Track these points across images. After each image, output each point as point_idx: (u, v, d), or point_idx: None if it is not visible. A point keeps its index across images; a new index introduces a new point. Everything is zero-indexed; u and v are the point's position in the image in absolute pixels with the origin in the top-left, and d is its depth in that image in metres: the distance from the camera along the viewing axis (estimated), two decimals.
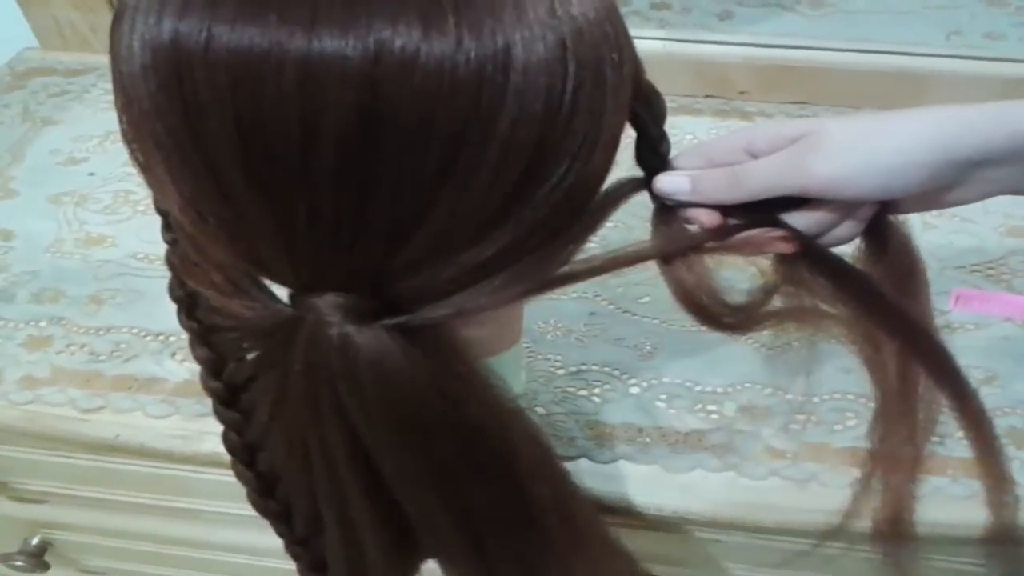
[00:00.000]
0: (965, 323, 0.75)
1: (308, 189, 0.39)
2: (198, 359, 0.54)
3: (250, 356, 0.53)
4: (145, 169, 0.44)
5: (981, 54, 0.99)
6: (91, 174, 0.95)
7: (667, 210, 0.54)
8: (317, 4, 0.36)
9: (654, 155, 0.51)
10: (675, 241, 0.53)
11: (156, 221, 0.87)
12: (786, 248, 0.51)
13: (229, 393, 0.54)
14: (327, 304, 0.43)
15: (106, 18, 1.05)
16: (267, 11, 0.36)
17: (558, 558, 0.51)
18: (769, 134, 0.52)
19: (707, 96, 1.03)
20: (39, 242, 0.87)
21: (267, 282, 0.47)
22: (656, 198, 0.53)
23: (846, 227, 0.53)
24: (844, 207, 0.52)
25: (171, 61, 0.38)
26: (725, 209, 0.53)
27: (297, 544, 0.58)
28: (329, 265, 0.42)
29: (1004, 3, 1.10)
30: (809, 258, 0.53)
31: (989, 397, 0.69)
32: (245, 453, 0.55)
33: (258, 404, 0.53)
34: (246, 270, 0.46)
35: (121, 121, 0.43)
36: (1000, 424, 0.68)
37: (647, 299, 0.80)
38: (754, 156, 0.52)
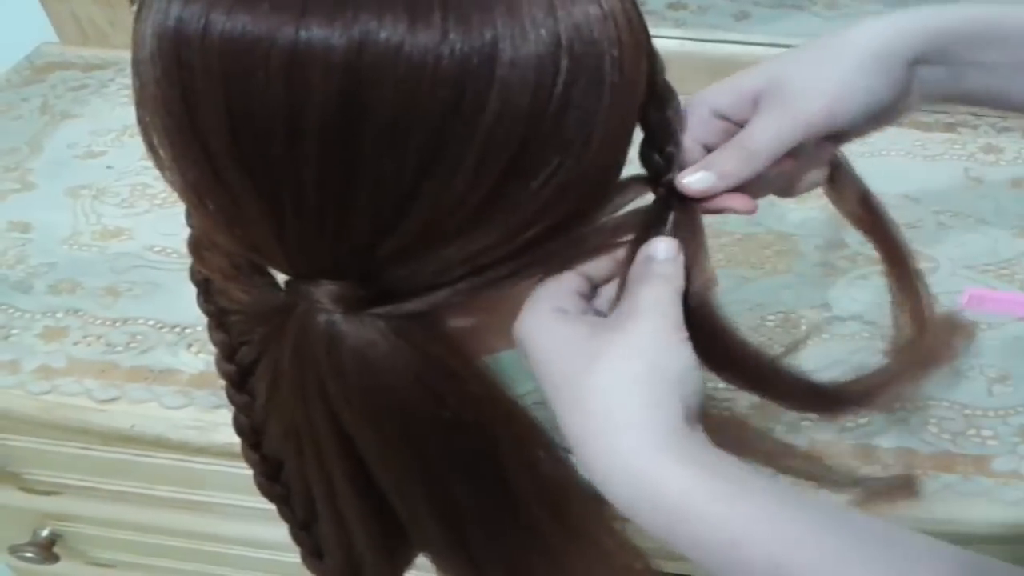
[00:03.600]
0: (978, 323, 0.75)
1: (293, 176, 0.39)
2: (215, 342, 0.55)
3: (255, 339, 0.54)
4: (155, 154, 0.45)
5: None
6: (109, 167, 0.96)
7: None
8: None
9: (658, 156, 0.50)
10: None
11: (173, 215, 0.89)
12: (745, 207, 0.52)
13: (240, 376, 0.55)
14: (319, 291, 0.44)
15: (125, 13, 1.07)
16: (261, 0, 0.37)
17: (548, 552, 0.52)
18: (726, 94, 0.53)
19: None
20: (56, 234, 0.88)
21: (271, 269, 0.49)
22: (679, 204, 0.52)
23: (816, 171, 0.57)
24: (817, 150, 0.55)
25: (173, 48, 0.39)
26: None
27: (300, 529, 0.59)
28: (317, 252, 0.43)
29: (1016, 3, 1.10)
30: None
31: (1002, 396, 0.70)
32: (252, 436, 0.56)
33: (259, 387, 0.54)
34: (247, 256, 0.47)
35: (137, 107, 0.44)
36: (1012, 423, 0.68)
37: None
38: (725, 118, 0.53)
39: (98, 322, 0.79)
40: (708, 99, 0.53)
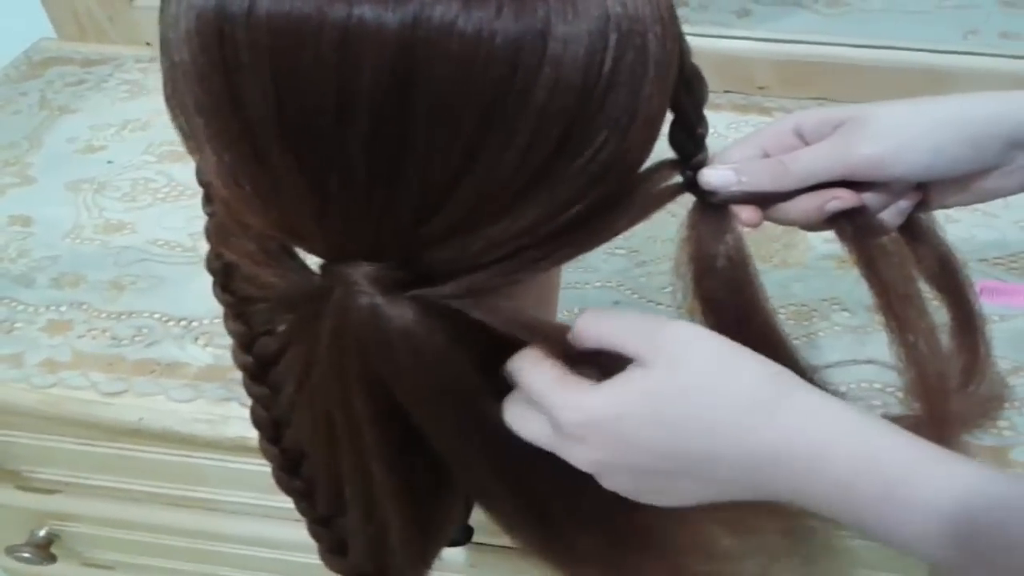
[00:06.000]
0: (990, 315, 0.75)
1: (341, 153, 0.39)
2: (231, 332, 0.54)
3: (279, 329, 0.53)
4: (186, 135, 0.44)
5: (999, 52, 1.00)
6: (109, 162, 0.95)
7: (708, 205, 0.53)
8: None
9: (690, 138, 0.50)
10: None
11: (176, 209, 0.89)
12: (851, 201, 0.51)
13: (259, 367, 0.54)
14: (357, 273, 0.43)
15: (125, 7, 1.06)
16: None
17: (631, 514, 0.50)
18: (816, 116, 0.52)
19: (727, 91, 1.03)
20: (58, 228, 0.87)
21: (300, 253, 0.48)
22: (698, 192, 0.52)
23: (888, 214, 0.54)
24: (887, 194, 0.52)
25: (214, 23, 0.38)
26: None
27: (319, 524, 0.58)
28: (359, 233, 0.42)
29: (1018, 4, 1.11)
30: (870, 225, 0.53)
31: (1016, 387, 0.70)
32: (271, 429, 0.55)
33: (286, 377, 0.53)
34: (279, 239, 0.47)
35: (166, 86, 0.44)
36: None
37: (671, 288, 0.79)
38: (802, 138, 0.53)
39: (103, 315, 0.78)
40: (797, 116, 0.53)
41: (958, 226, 0.84)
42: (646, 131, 0.43)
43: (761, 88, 1.03)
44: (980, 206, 0.85)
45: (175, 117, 0.44)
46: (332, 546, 0.58)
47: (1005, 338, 0.74)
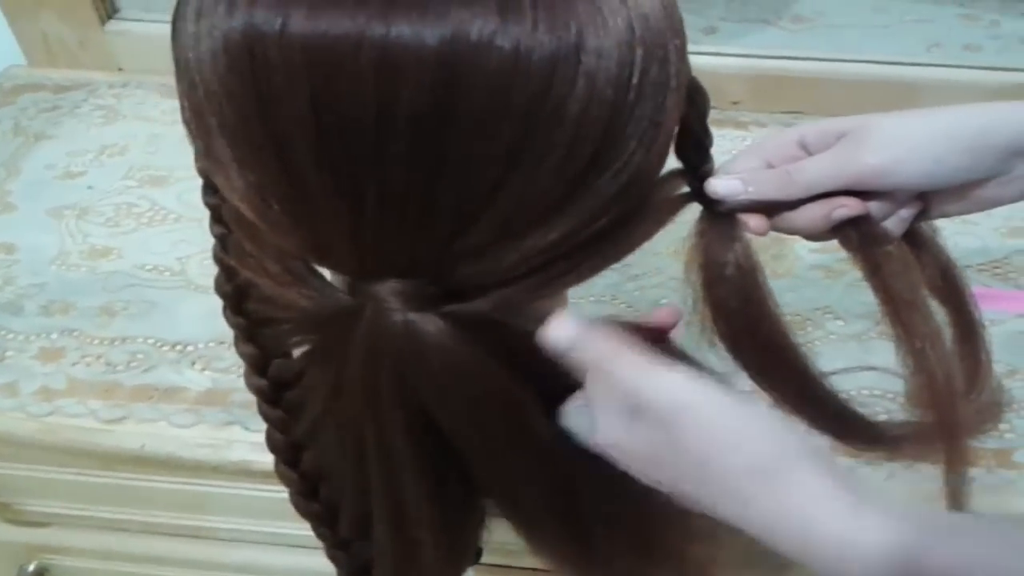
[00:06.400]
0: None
1: (380, 170, 0.39)
2: (243, 355, 0.53)
3: (297, 351, 0.52)
4: (207, 155, 0.44)
5: (963, 64, 1.03)
6: (90, 187, 0.93)
7: (716, 214, 0.53)
8: None
9: (696, 149, 0.51)
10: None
11: (161, 233, 0.88)
12: (857, 209, 0.52)
13: (274, 390, 0.53)
14: (388, 290, 0.43)
15: (96, 33, 1.05)
16: None
17: (674, 531, 0.51)
18: (819, 128, 0.53)
19: None
20: (43, 255, 0.85)
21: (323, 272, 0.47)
22: (705, 201, 0.53)
23: (891, 223, 0.54)
24: (890, 203, 0.53)
25: (243, 42, 0.38)
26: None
27: (338, 548, 0.57)
28: (394, 249, 0.42)
29: (977, 18, 1.14)
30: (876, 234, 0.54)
31: (1013, 390, 0.72)
32: (289, 452, 0.54)
33: (309, 399, 0.52)
34: (304, 258, 0.46)
35: (183, 107, 0.43)
36: None
37: (665, 301, 0.81)
38: (805, 148, 0.54)
39: (96, 342, 0.77)
40: (800, 128, 0.54)
41: (940, 235, 0.86)
42: (666, 142, 0.44)
43: (735, 103, 1.05)
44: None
45: (194, 139, 0.44)
46: (352, 571, 0.57)
47: (998, 342, 0.75)
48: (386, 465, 0.49)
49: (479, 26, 0.36)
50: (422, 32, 0.36)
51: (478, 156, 0.39)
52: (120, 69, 1.07)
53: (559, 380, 0.47)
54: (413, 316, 0.43)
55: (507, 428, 0.47)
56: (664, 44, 0.41)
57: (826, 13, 1.18)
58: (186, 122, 0.44)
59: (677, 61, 0.42)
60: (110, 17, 1.07)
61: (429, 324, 0.43)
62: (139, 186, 0.92)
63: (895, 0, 1.19)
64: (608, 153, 0.41)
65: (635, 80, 0.40)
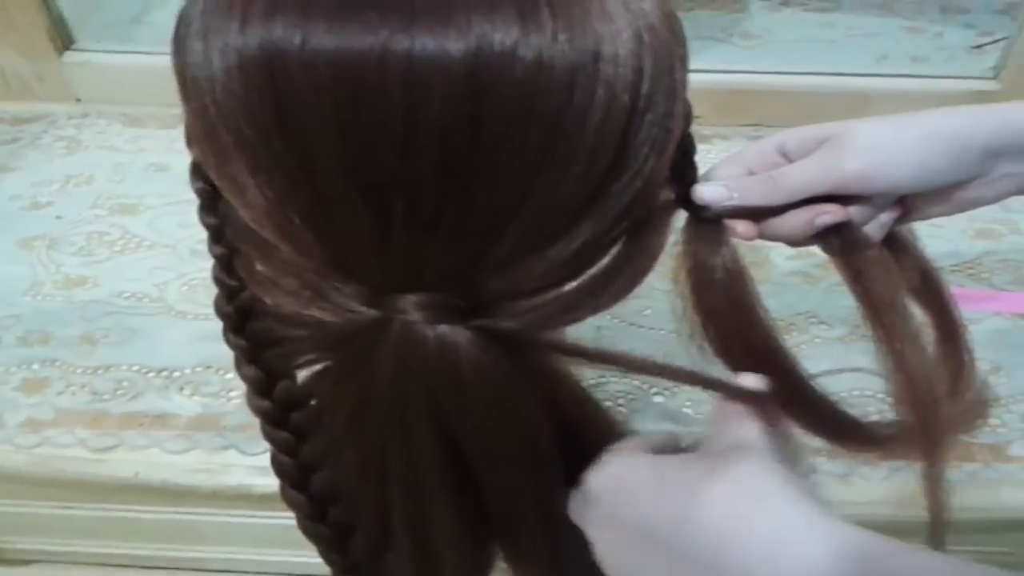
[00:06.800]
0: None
1: (408, 184, 0.39)
2: (245, 378, 0.51)
3: (305, 371, 0.51)
4: (220, 174, 0.43)
5: (912, 74, 1.07)
6: (59, 217, 0.91)
7: (702, 220, 0.53)
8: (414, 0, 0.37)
9: (683, 157, 0.51)
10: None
11: (135, 261, 0.86)
12: (839, 216, 0.53)
13: (279, 412, 0.51)
14: (414, 304, 0.43)
15: (53, 64, 1.03)
16: (365, 9, 0.36)
17: None
18: (798, 135, 0.54)
19: None
20: (16, 286, 0.84)
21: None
22: (691, 209, 0.53)
23: (871, 228, 0.55)
24: (870, 208, 0.54)
25: (261, 59, 0.37)
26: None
27: (347, 572, 0.56)
28: (422, 263, 0.42)
29: (922, 30, 1.19)
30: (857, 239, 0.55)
31: (999, 386, 0.74)
32: (297, 475, 0.53)
33: (326, 418, 0.51)
34: (324, 274, 0.45)
35: (192, 128, 0.43)
36: (1016, 410, 0.72)
37: (648, 311, 0.81)
38: (786, 156, 0.55)
39: (79, 371, 0.75)
40: (780, 136, 0.54)
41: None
42: (673, 148, 0.45)
43: (697, 117, 1.06)
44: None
45: (205, 159, 0.43)
46: None
47: (979, 341, 0.77)
48: (411, 480, 0.48)
49: (501, 37, 0.36)
50: (446, 44, 0.36)
51: (506, 165, 0.39)
52: (78, 100, 1.06)
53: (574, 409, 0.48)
54: (444, 329, 0.43)
55: (527, 451, 0.47)
56: (671, 53, 0.42)
57: (773, 29, 1.22)
58: (196, 143, 0.43)
59: (681, 69, 0.43)
60: (67, 48, 1.05)
61: (460, 337, 0.43)
62: (109, 215, 0.91)
63: (840, 15, 1.24)
64: (625, 159, 0.41)
65: (647, 87, 0.40)
